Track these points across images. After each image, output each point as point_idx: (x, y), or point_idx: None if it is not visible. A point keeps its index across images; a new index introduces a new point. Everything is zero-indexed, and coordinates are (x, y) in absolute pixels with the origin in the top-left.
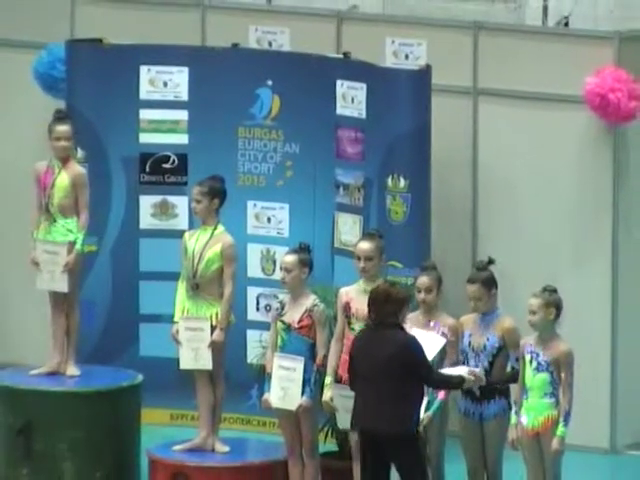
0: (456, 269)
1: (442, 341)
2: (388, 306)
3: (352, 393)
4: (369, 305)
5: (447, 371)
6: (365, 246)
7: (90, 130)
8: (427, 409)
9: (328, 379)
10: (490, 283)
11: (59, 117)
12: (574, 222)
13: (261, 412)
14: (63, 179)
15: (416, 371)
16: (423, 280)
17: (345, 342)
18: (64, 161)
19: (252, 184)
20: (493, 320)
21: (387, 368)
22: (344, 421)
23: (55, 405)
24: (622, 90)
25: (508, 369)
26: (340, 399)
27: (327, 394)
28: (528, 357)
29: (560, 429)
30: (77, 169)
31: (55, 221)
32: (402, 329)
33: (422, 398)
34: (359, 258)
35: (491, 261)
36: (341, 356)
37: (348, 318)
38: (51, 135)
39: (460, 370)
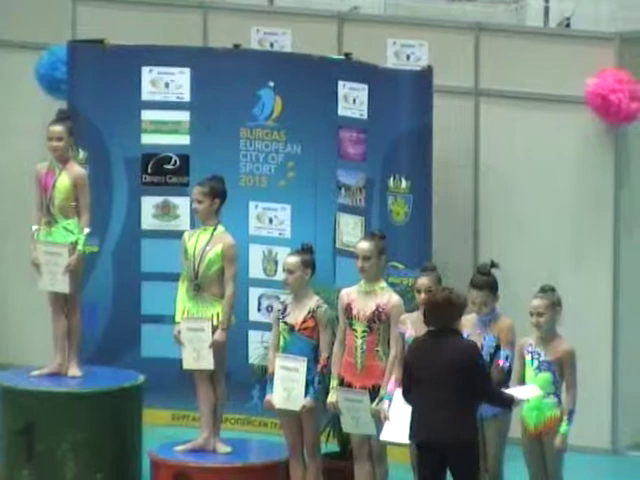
0: (457, 270)
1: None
2: (449, 312)
3: (357, 396)
4: (427, 312)
5: (513, 390)
6: (364, 246)
7: (92, 131)
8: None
9: (333, 382)
10: (495, 288)
11: (56, 118)
12: (575, 222)
13: (262, 413)
14: (63, 180)
15: (475, 378)
16: (423, 281)
17: (346, 343)
18: (64, 162)
19: (254, 185)
20: (491, 320)
21: (449, 374)
22: (348, 424)
23: (57, 406)
24: (623, 91)
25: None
26: (345, 402)
27: (332, 396)
28: (529, 357)
29: (563, 427)
30: (77, 170)
31: (56, 222)
32: (461, 335)
33: (478, 405)
34: (357, 257)
35: (494, 264)
36: (343, 357)
37: (349, 319)
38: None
39: (524, 391)
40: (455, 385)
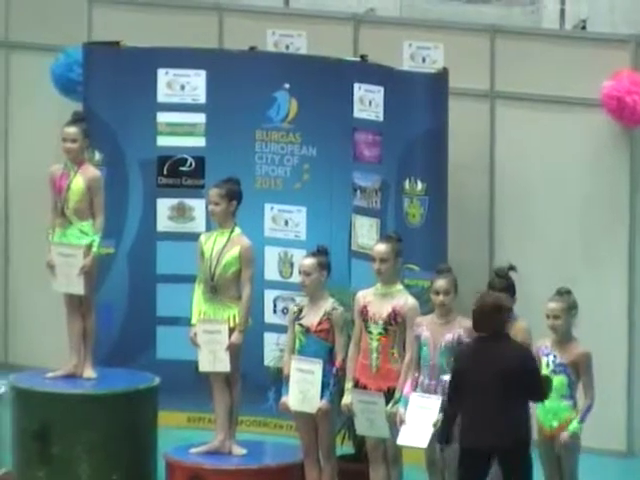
0: (473, 272)
1: None
2: (499, 316)
3: (372, 398)
4: (476, 317)
5: None
6: (381, 248)
7: (107, 133)
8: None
9: (348, 383)
10: (513, 291)
11: (71, 119)
12: (591, 225)
13: (278, 415)
14: (78, 182)
15: (528, 383)
16: (441, 283)
17: (362, 346)
18: (79, 164)
19: (269, 187)
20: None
21: (502, 379)
22: (362, 426)
23: (72, 408)
24: (639, 93)
25: None
26: (359, 404)
27: (347, 398)
28: (544, 360)
29: (574, 424)
30: (92, 172)
31: (71, 224)
32: (512, 339)
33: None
34: (374, 259)
35: (512, 267)
36: (359, 360)
37: (365, 322)
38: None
39: None
40: (508, 390)
